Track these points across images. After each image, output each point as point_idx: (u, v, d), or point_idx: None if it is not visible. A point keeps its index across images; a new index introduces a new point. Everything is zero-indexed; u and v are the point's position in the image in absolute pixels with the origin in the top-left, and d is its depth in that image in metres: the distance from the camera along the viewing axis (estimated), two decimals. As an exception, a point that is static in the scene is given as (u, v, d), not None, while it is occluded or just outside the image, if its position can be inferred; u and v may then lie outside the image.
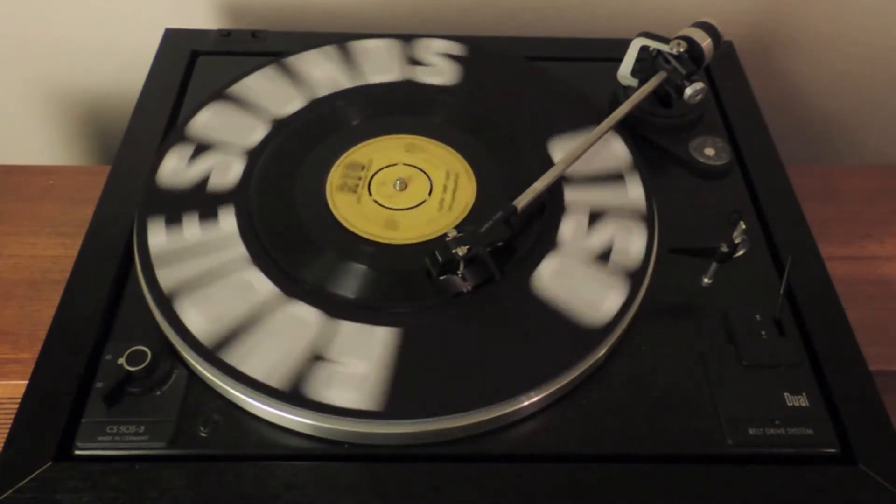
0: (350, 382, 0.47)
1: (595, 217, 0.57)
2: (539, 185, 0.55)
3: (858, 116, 0.96)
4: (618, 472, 0.46)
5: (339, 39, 0.71)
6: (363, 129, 0.63)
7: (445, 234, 0.52)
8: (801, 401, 0.49)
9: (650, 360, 0.51)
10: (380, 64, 0.69)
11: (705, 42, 0.64)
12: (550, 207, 0.57)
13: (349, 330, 0.50)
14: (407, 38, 0.71)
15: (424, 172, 0.59)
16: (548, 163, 0.60)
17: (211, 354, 0.48)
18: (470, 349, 0.50)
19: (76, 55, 0.88)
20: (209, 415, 0.47)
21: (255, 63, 0.68)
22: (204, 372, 0.48)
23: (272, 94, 0.66)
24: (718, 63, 0.71)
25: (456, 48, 0.71)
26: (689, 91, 0.61)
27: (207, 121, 0.63)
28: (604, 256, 0.54)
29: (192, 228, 0.55)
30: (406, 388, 0.47)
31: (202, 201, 0.57)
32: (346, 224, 0.55)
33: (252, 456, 0.46)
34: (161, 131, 0.65)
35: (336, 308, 0.51)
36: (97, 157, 0.99)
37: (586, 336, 0.50)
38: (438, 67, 0.69)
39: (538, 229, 0.56)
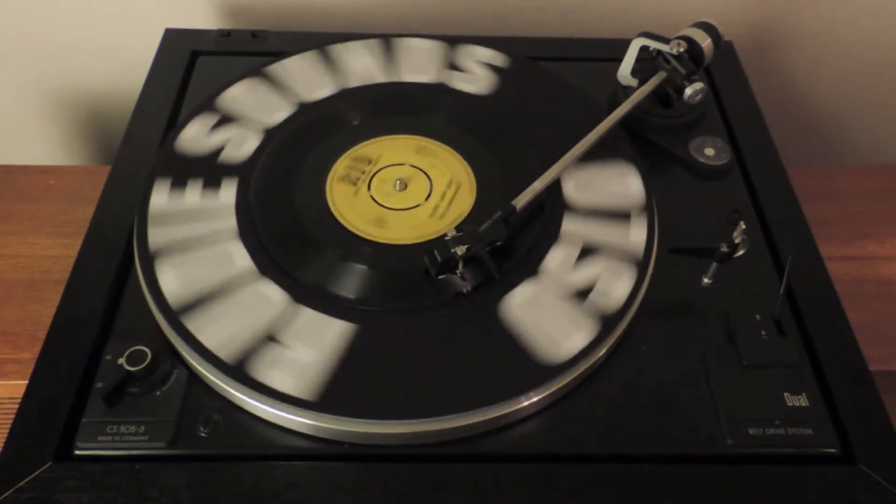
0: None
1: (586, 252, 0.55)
2: (538, 185, 0.55)
3: (858, 116, 0.96)
4: (618, 472, 0.46)
5: (339, 39, 0.71)
6: (373, 126, 0.63)
7: (444, 234, 0.52)
8: (801, 401, 0.49)
9: (650, 360, 0.51)
10: (416, 64, 0.69)
11: (705, 42, 0.64)
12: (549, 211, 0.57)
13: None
14: (451, 42, 0.71)
15: (427, 175, 0.59)
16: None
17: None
18: (469, 349, 0.50)
19: (76, 55, 0.88)
20: (209, 415, 0.47)
21: (256, 63, 0.68)
22: (204, 372, 0.48)
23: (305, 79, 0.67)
24: (718, 63, 0.71)
25: (492, 56, 0.70)
26: (689, 91, 0.61)
27: (238, 95, 0.65)
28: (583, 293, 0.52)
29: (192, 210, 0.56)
30: (405, 388, 0.47)
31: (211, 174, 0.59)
32: (340, 218, 0.56)
33: (252, 456, 0.46)
34: (161, 131, 0.65)
35: (333, 308, 0.51)
36: (97, 157, 0.99)
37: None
38: (468, 74, 0.68)
39: (536, 230, 0.56)
